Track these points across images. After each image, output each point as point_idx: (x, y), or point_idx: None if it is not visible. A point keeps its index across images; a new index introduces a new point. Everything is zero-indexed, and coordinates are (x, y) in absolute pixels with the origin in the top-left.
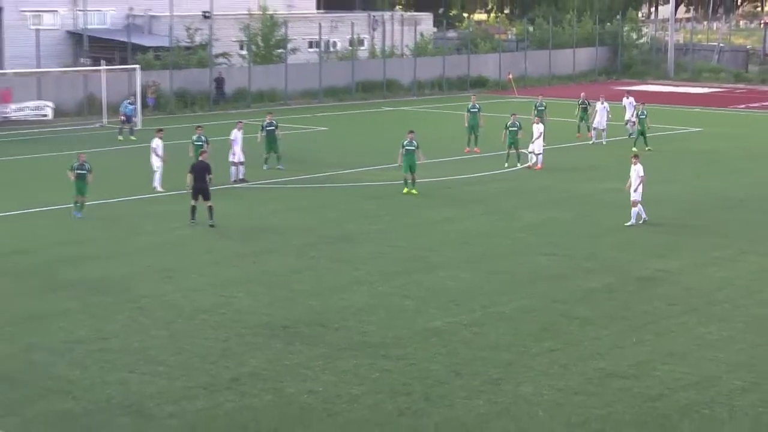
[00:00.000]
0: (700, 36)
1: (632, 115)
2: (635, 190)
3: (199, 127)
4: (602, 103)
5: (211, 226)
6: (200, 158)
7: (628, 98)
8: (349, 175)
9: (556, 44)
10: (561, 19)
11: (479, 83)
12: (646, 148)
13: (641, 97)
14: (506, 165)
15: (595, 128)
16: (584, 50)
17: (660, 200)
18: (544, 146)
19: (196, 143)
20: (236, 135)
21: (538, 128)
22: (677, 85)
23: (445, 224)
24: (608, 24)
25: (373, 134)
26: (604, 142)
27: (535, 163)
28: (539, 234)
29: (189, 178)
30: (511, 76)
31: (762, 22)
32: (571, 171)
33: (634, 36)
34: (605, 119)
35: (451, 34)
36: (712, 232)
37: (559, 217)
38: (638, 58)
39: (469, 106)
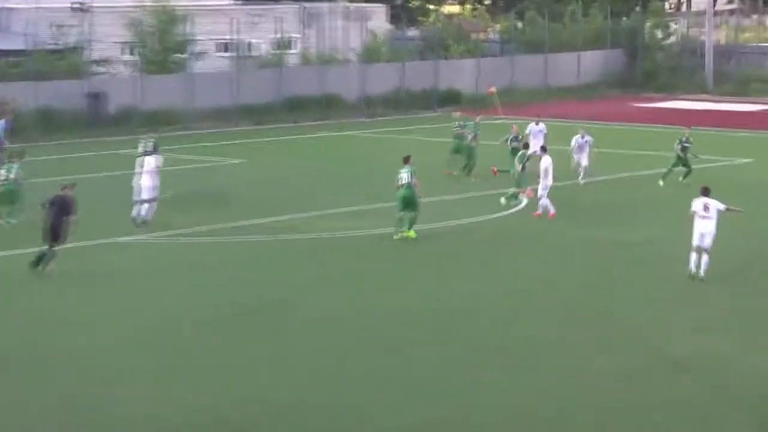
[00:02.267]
0: (747, 34)
1: (582, 151)
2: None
3: None
4: (583, 137)
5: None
6: (63, 190)
7: (538, 124)
8: (274, 225)
9: (555, 46)
10: (561, 12)
11: (450, 98)
12: (681, 180)
13: (666, 118)
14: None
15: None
16: (592, 54)
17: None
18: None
19: None
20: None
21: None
22: (717, 101)
23: (407, 284)
24: (624, 19)
25: (308, 169)
26: (581, 183)
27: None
28: (538, 299)
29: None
30: (493, 90)
31: None
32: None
33: (660, 34)
34: (587, 154)
35: (413, 32)
36: None
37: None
38: (665, 65)
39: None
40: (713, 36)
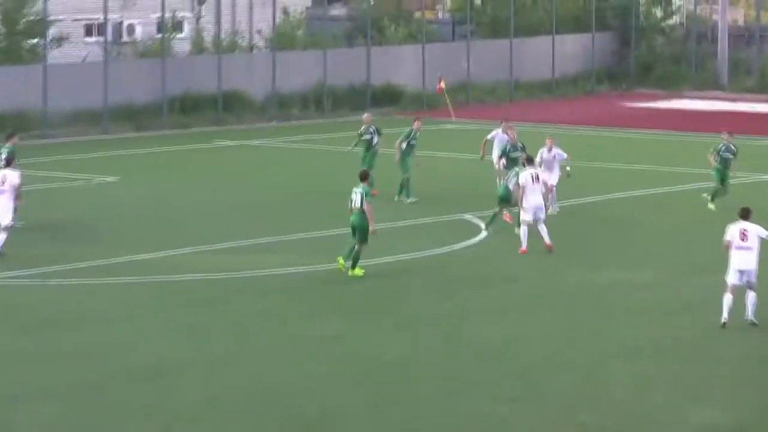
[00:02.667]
0: (763, 12)
1: (550, 169)
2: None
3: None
4: (550, 150)
5: None
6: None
7: (506, 125)
8: (154, 262)
9: (524, 29)
10: None
11: (388, 96)
12: (704, 196)
13: (667, 122)
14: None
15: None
16: (572, 39)
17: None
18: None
19: None
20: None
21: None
22: (735, 99)
23: (331, 345)
24: None
25: (199, 189)
26: (556, 210)
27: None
28: (498, 363)
29: None
30: (443, 85)
31: None
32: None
33: (659, 13)
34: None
35: (338, 11)
36: None
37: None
38: (666, 53)
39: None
40: (729, 15)
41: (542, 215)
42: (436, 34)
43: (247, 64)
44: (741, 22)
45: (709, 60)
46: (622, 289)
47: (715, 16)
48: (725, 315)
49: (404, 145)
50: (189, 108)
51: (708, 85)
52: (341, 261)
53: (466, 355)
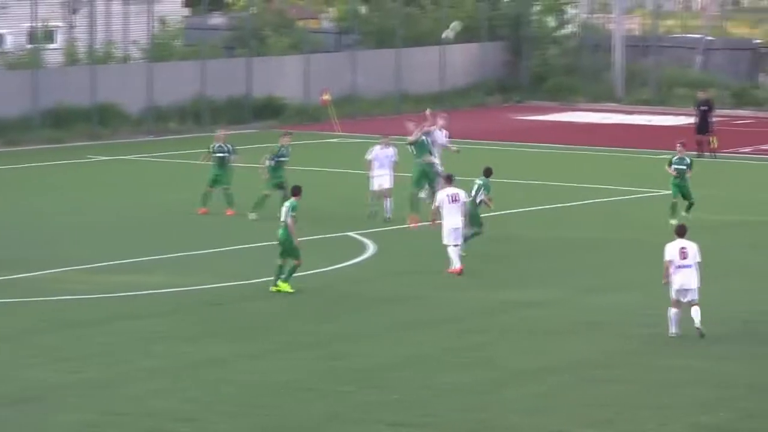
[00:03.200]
0: (670, 22)
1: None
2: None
3: None
4: (384, 147)
5: None
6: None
7: (386, 147)
8: (24, 282)
9: (411, 39)
10: None
11: (270, 109)
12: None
13: (559, 135)
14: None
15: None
16: (461, 49)
17: (604, 314)
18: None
19: None
20: None
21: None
22: (630, 112)
23: (212, 369)
24: (505, 0)
25: (74, 206)
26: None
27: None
28: (383, 386)
29: None
30: (327, 97)
31: None
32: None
33: (552, 23)
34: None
35: (217, 20)
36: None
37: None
38: (559, 63)
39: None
40: (624, 25)
41: (459, 240)
42: (320, 44)
43: (122, 75)
44: (637, 32)
45: (604, 71)
46: (516, 309)
47: (610, 26)
48: (672, 327)
49: (272, 162)
50: (62, 121)
51: (603, 97)
52: (282, 286)
53: (351, 378)
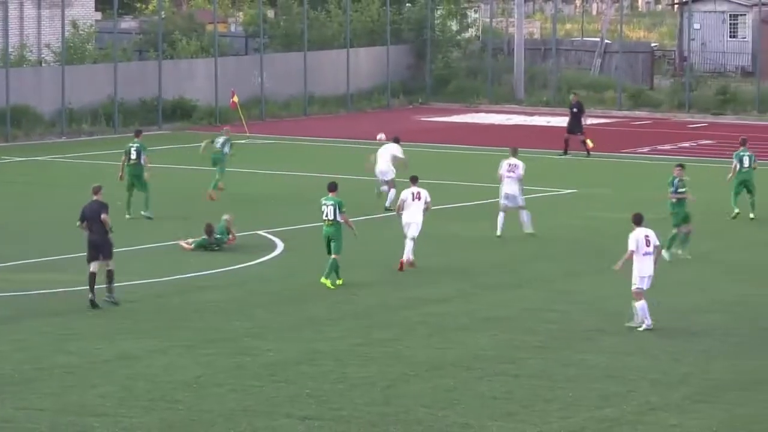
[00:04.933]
0: (569, 26)
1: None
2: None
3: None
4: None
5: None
6: (95, 197)
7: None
8: None
9: (318, 42)
10: None
11: (180, 111)
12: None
13: (461, 136)
14: None
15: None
16: (366, 52)
17: (493, 318)
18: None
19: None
20: None
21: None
22: (531, 113)
23: (124, 365)
24: (408, 6)
25: None
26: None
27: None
28: (293, 381)
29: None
30: (236, 99)
31: (674, 1)
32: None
33: (454, 27)
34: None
35: (128, 24)
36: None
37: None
38: (462, 66)
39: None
40: (524, 28)
41: (414, 233)
42: (229, 48)
43: (35, 78)
44: (537, 36)
45: (506, 74)
46: (422, 305)
47: (511, 30)
48: (649, 321)
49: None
50: None
51: (504, 98)
52: (326, 282)
53: (261, 373)
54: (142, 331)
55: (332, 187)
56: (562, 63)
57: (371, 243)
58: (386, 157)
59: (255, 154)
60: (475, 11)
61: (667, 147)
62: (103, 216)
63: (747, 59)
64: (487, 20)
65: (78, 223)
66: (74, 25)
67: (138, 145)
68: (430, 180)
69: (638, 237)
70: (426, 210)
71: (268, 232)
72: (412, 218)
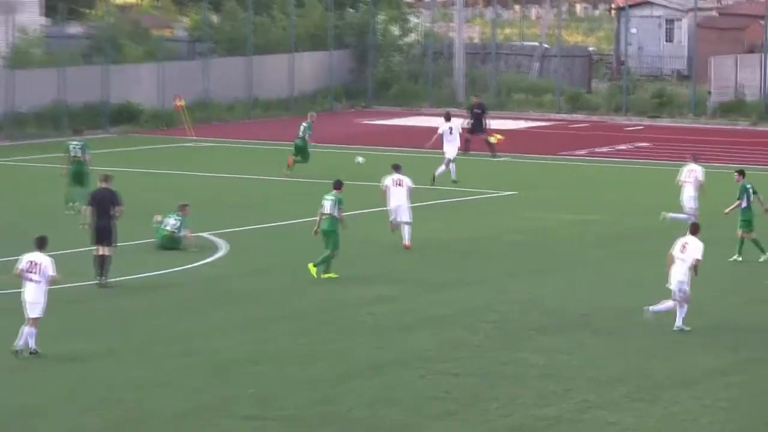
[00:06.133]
0: (508, 30)
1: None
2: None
3: None
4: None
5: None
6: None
7: None
8: None
9: (263, 46)
10: (269, 3)
11: (126, 114)
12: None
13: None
14: None
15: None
16: (310, 57)
17: (456, 314)
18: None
19: None
20: None
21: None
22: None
23: (71, 366)
24: (351, 11)
25: None
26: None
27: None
28: (236, 381)
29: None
30: (181, 103)
31: (611, 6)
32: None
33: (396, 31)
34: None
35: (75, 29)
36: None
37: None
38: (403, 70)
39: None
40: (464, 32)
41: (405, 218)
42: (174, 53)
43: None
44: (477, 40)
45: (447, 77)
46: (364, 305)
47: (452, 34)
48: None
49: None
50: None
51: (445, 102)
52: (312, 269)
53: (206, 373)
54: (88, 332)
55: (337, 185)
56: (502, 67)
57: (319, 243)
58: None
59: (200, 156)
60: (417, 16)
61: (605, 149)
62: (119, 208)
63: (683, 63)
64: (429, 25)
65: (84, 207)
66: (22, 30)
67: (82, 143)
68: (373, 182)
69: (678, 243)
70: (409, 195)
71: (212, 234)
72: (398, 202)
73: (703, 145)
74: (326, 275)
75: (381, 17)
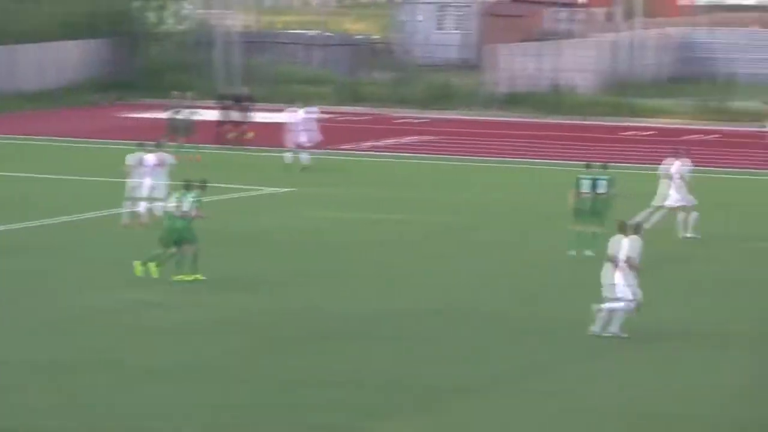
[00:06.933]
0: (288, 18)
1: None
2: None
3: None
4: None
5: None
6: None
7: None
8: None
9: (20, 36)
10: None
11: None
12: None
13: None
14: None
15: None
16: (68, 46)
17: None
18: None
19: None
20: None
21: None
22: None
23: None
24: None
25: None
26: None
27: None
28: None
29: None
30: None
31: None
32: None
33: (170, 20)
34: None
35: None
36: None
37: None
38: (172, 60)
39: None
40: (240, 21)
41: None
42: None
43: None
44: (254, 29)
45: (219, 67)
46: (142, 309)
47: (221, 22)
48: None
49: None
50: None
51: (214, 93)
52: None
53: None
54: None
55: (192, 186)
56: (279, 56)
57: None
58: None
59: None
60: (189, 3)
61: (391, 142)
62: None
63: (470, 52)
64: (201, 12)
65: None
66: None
67: None
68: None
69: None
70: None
71: None
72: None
73: (489, 139)
74: (187, 276)
75: (137, 4)
